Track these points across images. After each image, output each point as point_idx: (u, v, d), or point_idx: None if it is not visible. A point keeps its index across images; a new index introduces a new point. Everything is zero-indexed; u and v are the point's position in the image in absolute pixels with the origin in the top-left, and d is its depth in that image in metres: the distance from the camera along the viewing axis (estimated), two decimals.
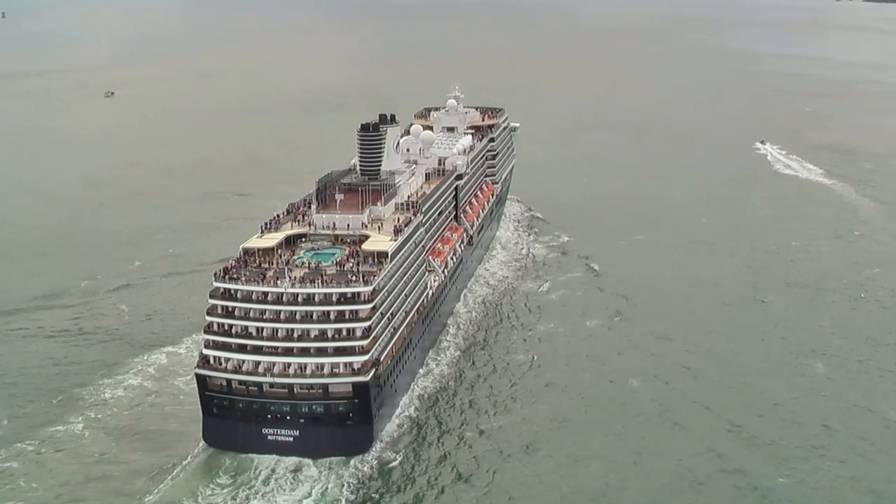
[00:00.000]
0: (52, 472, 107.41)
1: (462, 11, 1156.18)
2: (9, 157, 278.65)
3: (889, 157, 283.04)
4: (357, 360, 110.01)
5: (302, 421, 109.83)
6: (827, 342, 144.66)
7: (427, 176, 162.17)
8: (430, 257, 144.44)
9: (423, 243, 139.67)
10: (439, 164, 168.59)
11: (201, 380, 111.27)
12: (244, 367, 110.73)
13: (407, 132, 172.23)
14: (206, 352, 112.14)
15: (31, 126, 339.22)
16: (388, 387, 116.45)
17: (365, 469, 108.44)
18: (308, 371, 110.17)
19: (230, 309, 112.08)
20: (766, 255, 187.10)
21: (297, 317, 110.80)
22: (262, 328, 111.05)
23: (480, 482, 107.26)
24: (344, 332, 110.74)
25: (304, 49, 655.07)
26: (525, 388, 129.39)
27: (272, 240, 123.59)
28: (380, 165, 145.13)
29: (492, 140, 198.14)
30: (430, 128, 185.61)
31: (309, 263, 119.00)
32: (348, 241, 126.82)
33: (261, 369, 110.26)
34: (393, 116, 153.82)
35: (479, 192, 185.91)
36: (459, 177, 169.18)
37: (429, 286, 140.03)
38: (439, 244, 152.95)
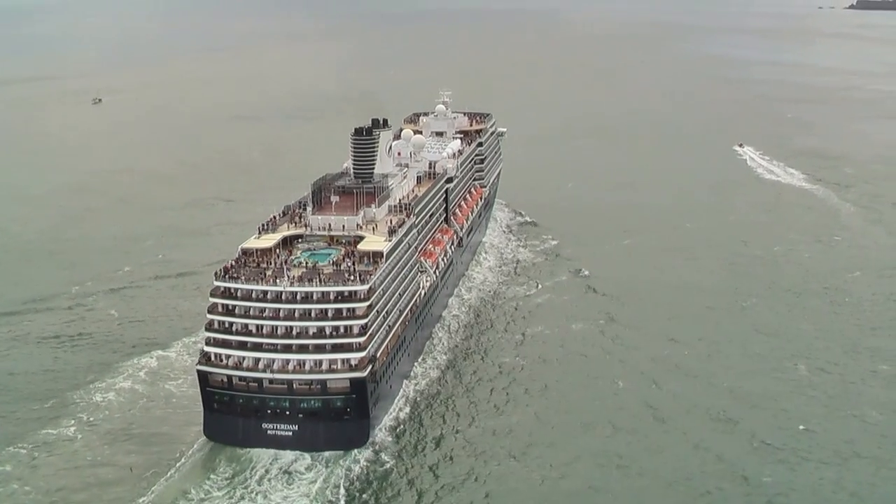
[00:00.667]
0: (45, 475, 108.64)
1: (448, 19, 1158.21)
2: None
3: (870, 162, 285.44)
4: (354, 356, 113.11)
5: (300, 416, 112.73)
6: (809, 345, 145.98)
7: (418, 179, 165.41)
8: (421, 258, 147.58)
9: (415, 244, 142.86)
10: (430, 167, 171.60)
11: (203, 376, 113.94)
12: (244, 364, 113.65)
13: (398, 136, 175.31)
14: (207, 349, 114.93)
15: (18, 132, 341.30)
16: (383, 383, 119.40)
17: (362, 462, 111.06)
18: (307, 367, 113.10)
19: (230, 307, 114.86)
20: (748, 259, 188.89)
21: (296, 314, 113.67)
22: (262, 326, 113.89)
23: (474, 474, 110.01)
24: (341, 330, 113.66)
25: (292, 55, 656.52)
26: (514, 388, 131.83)
27: (270, 240, 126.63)
28: (373, 168, 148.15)
29: (480, 144, 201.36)
30: (420, 132, 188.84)
31: (306, 263, 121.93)
32: (343, 241, 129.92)
33: (261, 366, 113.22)
34: (385, 121, 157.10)
35: (468, 196, 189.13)
36: (449, 180, 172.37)
37: (421, 286, 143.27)
38: (430, 246, 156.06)
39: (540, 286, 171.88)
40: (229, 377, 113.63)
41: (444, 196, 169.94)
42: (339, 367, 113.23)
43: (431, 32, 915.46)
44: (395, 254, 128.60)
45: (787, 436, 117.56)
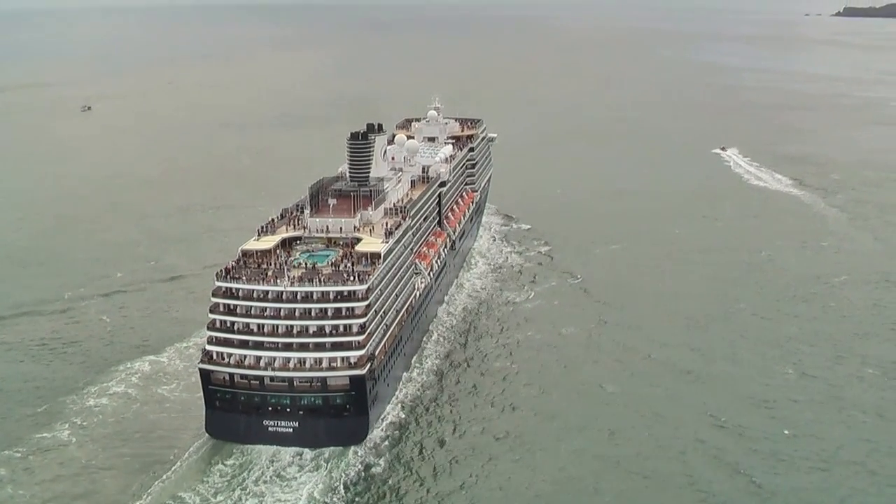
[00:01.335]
0: (40, 478, 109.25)
1: (433, 26, 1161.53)
2: None
3: (856, 168, 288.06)
4: (353, 354, 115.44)
5: (301, 413, 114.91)
6: (796, 350, 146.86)
7: (412, 183, 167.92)
8: (416, 260, 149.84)
9: (410, 246, 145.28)
10: (423, 171, 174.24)
11: (205, 374, 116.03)
12: (246, 362, 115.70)
13: (391, 141, 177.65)
14: (209, 348, 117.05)
15: (7, 139, 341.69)
16: (381, 381, 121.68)
17: (360, 457, 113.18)
18: (307, 365, 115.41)
19: (232, 307, 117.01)
20: (736, 264, 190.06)
21: (297, 314, 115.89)
22: (263, 325, 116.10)
23: (469, 469, 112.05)
24: (341, 328, 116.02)
25: (280, 63, 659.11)
26: (508, 389, 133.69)
27: (269, 242, 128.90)
28: (369, 172, 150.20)
29: (471, 150, 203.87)
30: (412, 138, 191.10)
31: (305, 264, 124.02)
32: (341, 243, 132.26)
33: (262, 364, 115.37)
34: (380, 125, 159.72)
35: (459, 200, 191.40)
36: (443, 184, 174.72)
37: (416, 287, 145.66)
38: (424, 248, 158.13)
39: (530, 290, 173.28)
40: (231, 375, 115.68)
41: (438, 200, 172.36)
42: (338, 364, 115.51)
43: (425, 40, 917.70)
44: (391, 255, 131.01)
45: (775, 440, 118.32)
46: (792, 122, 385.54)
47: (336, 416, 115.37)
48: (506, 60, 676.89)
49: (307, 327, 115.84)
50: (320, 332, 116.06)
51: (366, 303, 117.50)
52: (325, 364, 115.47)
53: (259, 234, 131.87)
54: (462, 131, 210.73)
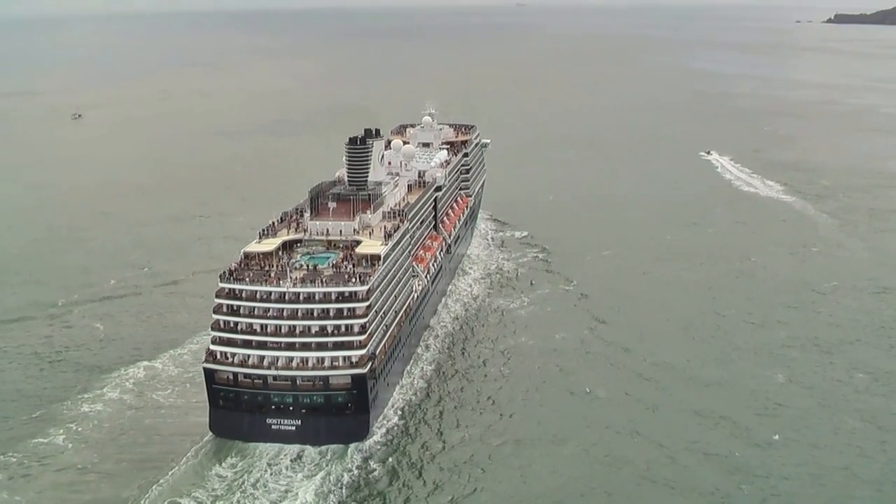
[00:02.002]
0: (36, 484, 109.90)
1: (424, 33, 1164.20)
2: None
3: (847, 174, 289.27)
4: (355, 353, 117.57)
5: (303, 411, 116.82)
6: (786, 355, 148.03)
7: (409, 187, 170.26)
8: (414, 263, 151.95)
9: (408, 249, 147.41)
10: (419, 176, 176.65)
11: (209, 374, 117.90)
12: (249, 361, 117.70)
13: (387, 146, 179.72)
14: (213, 347, 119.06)
15: None
16: (382, 380, 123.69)
17: (362, 454, 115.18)
18: (309, 364, 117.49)
19: (236, 307, 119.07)
20: (727, 270, 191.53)
21: (299, 314, 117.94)
22: (266, 325, 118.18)
23: (467, 467, 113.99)
24: (342, 328, 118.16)
25: (272, 71, 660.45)
26: (504, 389, 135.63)
27: (270, 244, 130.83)
28: (367, 176, 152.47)
29: (466, 155, 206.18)
30: (407, 143, 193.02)
31: (307, 266, 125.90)
32: (341, 245, 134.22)
33: (265, 363, 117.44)
34: (377, 130, 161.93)
35: (454, 204, 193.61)
36: (439, 188, 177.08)
37: (414, 289, 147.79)
38: (421, 251, 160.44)
39: (523, 296, 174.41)
40: (235, 374, 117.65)
41: (434, 204, 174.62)
42: (340, 363, 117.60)
43: (417, 47, 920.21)
44: (391, 257, 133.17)
45: (764, 443, 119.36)
46: (783, 128, 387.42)
47: (338, 414, 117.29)
48: (497, 69, 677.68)
49: (309, 327, 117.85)
50: (322, 331, 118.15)
51: (367, 303, 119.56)
52: (327, 363, 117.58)
53: (260, 237, 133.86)
54: (456, 137, 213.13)
